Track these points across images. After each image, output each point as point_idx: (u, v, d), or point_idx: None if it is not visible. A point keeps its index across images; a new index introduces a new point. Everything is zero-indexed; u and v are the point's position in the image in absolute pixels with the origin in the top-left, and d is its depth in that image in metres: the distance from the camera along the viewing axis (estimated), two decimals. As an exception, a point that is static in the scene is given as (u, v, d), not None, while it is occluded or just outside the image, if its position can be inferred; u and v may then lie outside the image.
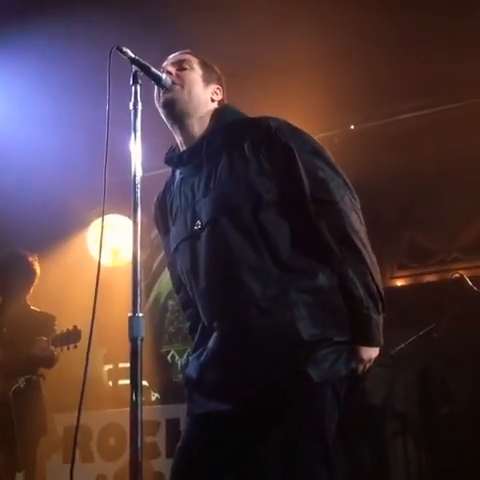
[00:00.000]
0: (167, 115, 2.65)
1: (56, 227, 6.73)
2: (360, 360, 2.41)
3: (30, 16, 4.82)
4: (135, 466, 2.07)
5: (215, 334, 2.49)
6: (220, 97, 2.73)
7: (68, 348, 4.82)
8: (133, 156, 2.29)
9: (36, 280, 5.36)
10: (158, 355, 7.68)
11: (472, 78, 5.45)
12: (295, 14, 4.84)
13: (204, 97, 2.66)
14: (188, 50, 2.76)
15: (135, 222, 2.24)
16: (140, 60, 2.38)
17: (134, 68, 2.36)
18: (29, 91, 5.54)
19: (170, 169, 2.81)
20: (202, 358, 2.53)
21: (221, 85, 2.77)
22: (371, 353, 2.43)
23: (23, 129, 5.81)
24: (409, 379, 5.71)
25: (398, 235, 6.61)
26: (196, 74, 2.67)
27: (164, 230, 2.81)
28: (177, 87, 2.59)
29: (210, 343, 2.50)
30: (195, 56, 2.73)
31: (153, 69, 2.45)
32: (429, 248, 6.62)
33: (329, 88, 5.23)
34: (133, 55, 2.36)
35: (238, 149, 2.50)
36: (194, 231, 2.53)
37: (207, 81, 2.69)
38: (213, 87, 2.71)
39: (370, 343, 2.41)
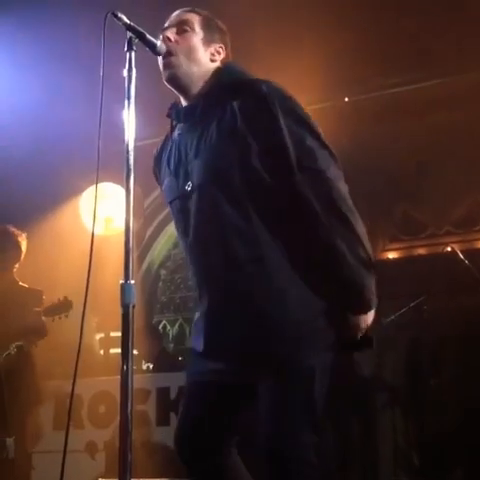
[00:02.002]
0: (172, 87, 2.65)
1: (49, 195, 6.71)
2: (357, 328, 2.43)
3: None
4: (125, 433, 2.09)
5: (205, 298, 2.51)
6: (222, 55, 2.68)
7: (59, 318, 4.94)
8: (126, 123, 2.28)
9: (22, 257, 5.40)
10: (150, 325, 7.70)
11: (466, 53, 5.43)
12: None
13: (204, 59, 2.63)
14: (191, 8, 2.69)
15: (128, 190, 2.23)
16: (135, 26, 2.34)
17: (129, 34, 2.33)
18: (18, 58, 5.49)
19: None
20: (198, 322, 2.56)
21: (224, 42, 2.71)
22: (368, 319, 2.44)
23: (13, 97, 5.77)
24: (398, 350, 5.75)
25: (391, 208, 6.63)
26: (196, 37, 2.62)
27: (161, 182, 2.79)
28: (176, 60, 2.56)
29: (203, 307, 2.52)
30: (198, 14, 2.67)
31: (148, 36, 2.40)
32: (421, 221, 6.65)
33: (324, 60, 5.20)
34: (128, 21, 2.32)
35: (228, 111, 2.48)
36: (186, 191, 2.53)
37: (208, 42, 2.64)
38: (214, 46, 2.66)
39: (366, 309, 2.43)
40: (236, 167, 2.42)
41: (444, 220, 6.49)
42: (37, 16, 5.03)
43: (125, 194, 2.23)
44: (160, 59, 2.59)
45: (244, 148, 2.42)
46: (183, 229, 2.58)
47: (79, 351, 2.24)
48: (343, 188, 2.42)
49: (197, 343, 2.53)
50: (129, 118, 2.28)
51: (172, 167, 2.65)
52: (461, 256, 5.01)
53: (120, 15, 2.30)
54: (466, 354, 5.53)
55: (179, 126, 2.70)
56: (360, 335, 2.45)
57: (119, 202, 6.13)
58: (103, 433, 5.84)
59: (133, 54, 2.32)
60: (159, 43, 2.49)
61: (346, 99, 6.26)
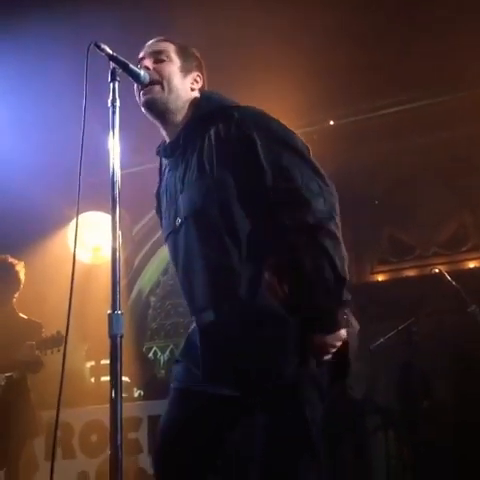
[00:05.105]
0: (149, 114, 2.64)
1: (37, 225, 6.70)
2: (319, 348, 2.33)
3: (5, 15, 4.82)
4: (115, 462, 2.07)
5: (197, 327, 2.52)
6: (200, 85, 2.69)
7: (52, 352, 4.92)
8: (111, 153, 2.28)
9: (21, 287, 5.38)
10: (140, 352, 7.67)
11: (451, 73, 5.48)
12: (275, 10, 4.84)
13: (183, 88, 2.63)
14: (164, 37, 2.70)
15: (114, 218, 2.23)
16: (118, 57, 2.34)
17: (112, 65, 2.33)
18: (2, 90, 5.51)
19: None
20: (192, 336, 2.56)
21: (201, 72, 2.71)
22: (325, 340, 2.32)
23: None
24: (389, 373, 5.75)
25: (378, 230, 6.65)
26: (174, 66, 2.62)
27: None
28: (156, 87, 2.56)
29: (196, 334, 2.52)
30: (172, 43, 2.68)
31: (131, 66, 2.41)
32: (408, 243, 6.67)
33: (309, 84, 5.24)
34: (111, 51, 2.33)
35: (206, 141, 2.48)
36: (175, 226, 2.55)
37: (186, 71, 2.65)
38: (192, 75, 2.67)
39: (327, 330, 2.32)
40: (215, 198, 2.41)
41: (431, 242, 6.52)
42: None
43: (111, 223, 2.23)
44: (137, 87, 2.59)
45: (223, 177, 2.42)
46: (175, 263, 2.61)
47: (62, 380, 2.21)
48: (321, 206, 2.33)
49: (192, 353, 2.51)
50: (114, 148, 2.28)
51: (165, 205, 2.67)
52: (448, 277, 5.01)
53: (103, 46, 2.31)
54: (457, 375, 5.53)
55: (168, 162, 2.72)
56: (326, 357, 2.35)
57: (107, 230, 6.11)
58: (95, 462, 5.79)
59: (117, 85, 2.32)
60: (143, 72, 2.50)
61: (331, 122, 6.30)
